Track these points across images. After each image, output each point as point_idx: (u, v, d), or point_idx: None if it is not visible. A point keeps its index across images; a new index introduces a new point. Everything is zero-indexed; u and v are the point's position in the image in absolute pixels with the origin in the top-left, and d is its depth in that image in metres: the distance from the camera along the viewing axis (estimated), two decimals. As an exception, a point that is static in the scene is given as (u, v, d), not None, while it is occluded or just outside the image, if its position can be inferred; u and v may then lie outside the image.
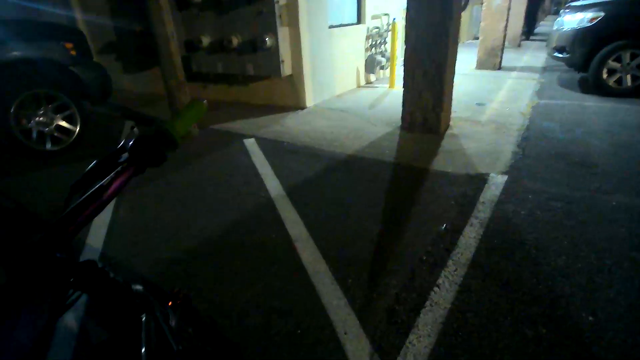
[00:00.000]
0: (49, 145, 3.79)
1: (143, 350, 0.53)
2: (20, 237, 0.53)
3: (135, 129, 0.68)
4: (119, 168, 0.62)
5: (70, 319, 1.72)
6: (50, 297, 0.53)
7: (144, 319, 0.57)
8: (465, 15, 10.41)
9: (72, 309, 0.56)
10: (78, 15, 6.82)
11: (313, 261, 2.13)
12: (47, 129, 3.78)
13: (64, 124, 3.89)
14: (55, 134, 3.85)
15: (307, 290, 1.92)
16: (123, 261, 2.25)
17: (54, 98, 3.80)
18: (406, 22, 3.70)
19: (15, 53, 3.56)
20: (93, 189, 0.59)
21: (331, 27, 5.38)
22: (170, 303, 0.72)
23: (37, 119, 3.72)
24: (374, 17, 6.31)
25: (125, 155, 0.64)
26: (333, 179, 3.15)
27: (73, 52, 3.97)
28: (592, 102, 4.83)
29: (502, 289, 1.86)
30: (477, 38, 12.29)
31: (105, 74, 4.31)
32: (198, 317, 0.86)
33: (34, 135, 3.70)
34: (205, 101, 0.76)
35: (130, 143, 0.64)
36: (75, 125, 3.97)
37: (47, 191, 3.14)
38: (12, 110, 3.48)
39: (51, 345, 1.63)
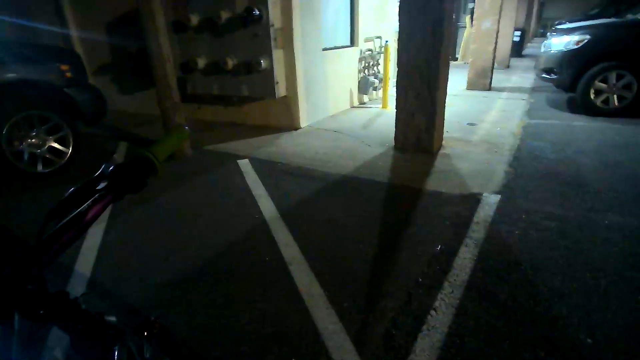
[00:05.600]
0: (40, 167, 3.75)
1: None
2: (2, 260, 0.52)
3: (115, 155, 0.67)
4: (96, 195, 0.60)
5: (56, 349, 1.66)
6: (21, 329, 0.53)
7: (116, 351, 0.56)
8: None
9: (60, 337, 0.55)
10: (75, 35, 6.88)
11: (307, 284, 2.10)
12: (39, 151, 3.75)
13: (56, 145, 3.87)
14: (48, 156, 3.81)
15: (302, 315, 1.89)
16: (111, 286, 2.20)
17: (47, 119, 3.79)
18: (398, 44, 3.78)
19: (11, 75, 3.57)
20: (68, 218, 0.57)
21: (325, 49, 5.48)
22: (146, 333, 0.71)
23: (29, 140, 3.69)
24: (366, 40, 6.44)
25: (103, 182, 0.63)
26: (327, 200, 3.14)
27: (68, 74, 3.99)
28: (580, 122, 4.93)
29: (500, 311, 1.84)
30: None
31: (99, 96, 4.32)
32: (176, 347, 0.84)
33: (26, 157, 3.67)
34: (187, 127, 0.77)
35: (110, 169, 0.63)
36: (68, 147, 3.94)
37: (35, 213, 3.08)
38: (4, 131, 3.46)
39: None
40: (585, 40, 5.05)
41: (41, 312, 0.52)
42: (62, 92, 3.91)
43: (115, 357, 0.55)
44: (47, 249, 0.54)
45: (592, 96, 5.13)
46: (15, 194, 3.50)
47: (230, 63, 4.86)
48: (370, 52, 6.58)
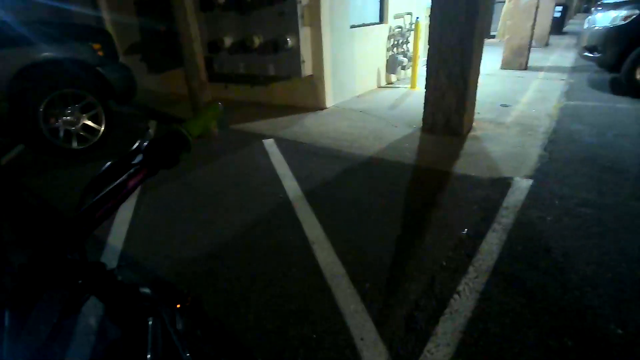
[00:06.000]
0: (75, 144, 3.90)
1: (149, 355, 0.53)
2: (44, 232, 0.54)
3: (149, 131, 0.68)
4: (131, 170, 0.62)
5: (90, 317, 1.76)
6: (61, 297, 0.54)
7: (150, 322, 0.57)
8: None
9: (93, 307, 0.56)
10: (106, 15, 7.00)
11: (330, 264, 2.11)
12: (73, 128, 3.89)
13: (90, 123, 4.00)
14: (82, 133, 3.96)
15: (324, 294, 1.91)
16: (142, 260, 2.29)
17: (81, 98, 3.91)
18: (430, 21, 3.63)
19: (45, 54, 3.69)
20: (105, 191, 0.59)
21: (353, 27, 5.34)
22: (178, 306, 0.72)
23: (64, 118, 3.83)
24: (396, 17, 6.22)
25: (138, 157, 0.64)
26: (352, 181, 3.12)
27: (100, 53, 4.08)
28: (624, 104, 4.62)
29: (526, 298, 1.79)
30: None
31: (130, 75, 4.41)
32: (207, 320, 0.85)
33: (61, 134, 3.82)
34: (221, 104, 0.77)
35: (145, 145, 0.64)
36: (101, 125, 4.07)
37: (71, 189, 3.23)
38: (41, 109, 3.60)
39: (70, 343, 1.67)
40: (635, 16, 4.67)
41: (79, 282, 0.54)
42: (95, 71, 4.01)
43: (150, 328, 0.56)
44: (85, 220, 0.56)
45: (638, 76, 4.78)
46: (52, 169, 3.67)
47: (257, 41, 4.83)
48: (400, 29, 6.35)
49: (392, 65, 6.41)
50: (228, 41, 5.12)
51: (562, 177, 2.89)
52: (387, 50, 6.30)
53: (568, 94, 5.30)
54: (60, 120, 3.81)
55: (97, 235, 2.45)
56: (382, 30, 6.08)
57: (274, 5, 4.52)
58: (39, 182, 3.47)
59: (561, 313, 1.70)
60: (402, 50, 6.57)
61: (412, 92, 5.89)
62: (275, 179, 3.19)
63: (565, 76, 6.41)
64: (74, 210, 0.57)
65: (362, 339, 1.63)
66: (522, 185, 2.81)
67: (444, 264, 2.06)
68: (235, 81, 5.85)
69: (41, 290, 0.52)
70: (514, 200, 2.61)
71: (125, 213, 2.76)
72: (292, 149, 3.84)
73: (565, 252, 2.08)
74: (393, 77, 6.67)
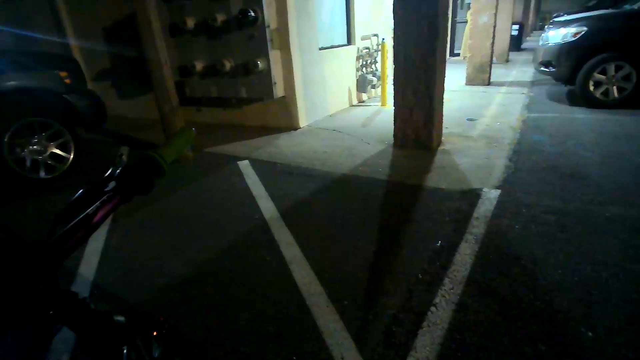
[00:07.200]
0: (42, 174, 3.78)
1: None
2: (10, 264, 0.52)
3: (123, 157, 0.68)
4: (104, 197, 0.61)
5: (61, 350, 1.68)
6: (32, 328, 0.52)
7: (125, 351, 0.56)
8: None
9: (64, 340, 0.54)
10: (73, 42, 6.91)
11: (308, 283, 2.11)
12: (40, 157, 3.77)
13: (58, 151, 3.89)
14: (49, 162, 3.84)
15: (303, 313, 1.89)
16: (114, 289, 2.21)
17: (48, 126, 3.81)
18: (394, 42, 3.78)
19: (10, 83, 3.59)
20: (77, 219, 0.58)
21: (322, 48, 5.48)
22: (155, 333, 0.70)
23: (30, 147, 3.71)
24: (363, 38, 6.44)
25: (112, 183, 0.63)
26: (327, 199, 3.15)
27: (67, 81, 4.01)
28: (580, 115, 4.91)
29: (500, 306, 1.84)
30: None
31: (99, 101, 4.34)
32: (186, 347, 0.84)
33: (28, 163, 3.69)
34: (194, 129, 0.77)
35: (118, 171, 0.64)
36: (69, 153, 3.96)
37: (39, 219, 3.11)
38: (5, 139, 3.48)
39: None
40: (583, 32, 5.02)
41: (50, 312, 0.52)
42: (62, 99, 3.93)
43: (124, 357, 0.55)
44: (56, 249, 0.55)
45: (591, 88, 5.10)
46: (19, 201, 3.53)
47: (228, 65, 4.87)
48: (367, 50, 6.57)
49: (362, 84, 6.59)
50: (199, 65, 5.14)
51: (528, 186, 3.02)
52: (357, 70, 6.49)
53: (529, 106, 5.59)
54: (26, 150, 3.69)
55: (67, 265, 2.36)
56: (351, 52, 6.27)
57: (243, 29, 4.60)
58: (6, 213, 3.32)
59: (533, 318, 1.75)
60: (371, 69, 6.78)
61: (382, 109, 6.05)
62: (251, 200, 3.18)
63: (525, 90, 6.76)
64: (45, 239, 0.56)
65: (342, 358, 1.63)
66: (490, 195, 2.91)
67: (420, 276, 2.10)
68: (208, 104, 5.84)
69: (11, 323, 0.50)
70: (484, 211, 2.70)
71: (97, 240, 2.67)
72: (267, 170, 3.85)
73: (534, 258, 2.16)
74: (364, 96, 6.84)
